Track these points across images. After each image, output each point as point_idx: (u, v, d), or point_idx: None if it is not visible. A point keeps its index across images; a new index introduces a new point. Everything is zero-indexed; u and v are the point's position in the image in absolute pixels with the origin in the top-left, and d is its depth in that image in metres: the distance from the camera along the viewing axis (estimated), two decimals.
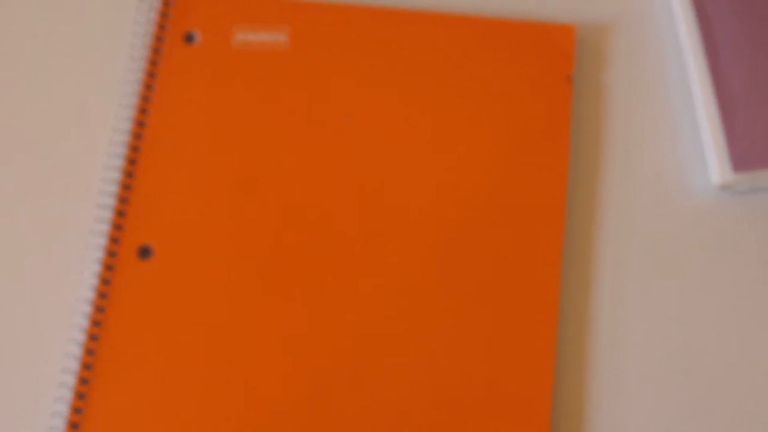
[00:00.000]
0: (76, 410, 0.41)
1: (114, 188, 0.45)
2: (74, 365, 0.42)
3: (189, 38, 0.48)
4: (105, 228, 0.44)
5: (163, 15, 0.48)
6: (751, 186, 0.45)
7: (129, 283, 0.43)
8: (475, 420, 0.41)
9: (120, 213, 0.44)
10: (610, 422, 0.42)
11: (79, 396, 0.41)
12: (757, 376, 0.43)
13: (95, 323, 0.42)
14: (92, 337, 0.42)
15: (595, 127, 0.47)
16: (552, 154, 0.45)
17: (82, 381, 0.41)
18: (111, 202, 0.45)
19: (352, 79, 0.47)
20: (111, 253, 0.44)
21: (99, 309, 0.43)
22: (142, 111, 0.46)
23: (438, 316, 0.43)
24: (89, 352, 0.42)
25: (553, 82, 0.47)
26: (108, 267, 0.43)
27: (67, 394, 0.41)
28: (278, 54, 0.47)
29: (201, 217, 0.44)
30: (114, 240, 0.44)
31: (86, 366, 0.42)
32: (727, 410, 0.42)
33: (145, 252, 0.44)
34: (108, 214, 0.44)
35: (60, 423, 0.41)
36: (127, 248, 0.44)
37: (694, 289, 0.44)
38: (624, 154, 0.47)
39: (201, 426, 0.41)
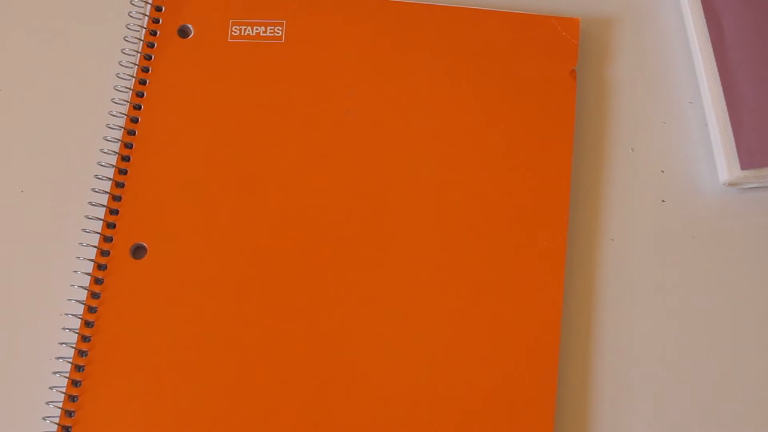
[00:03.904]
0: (68, 413, 0.41)
1: (107, 186, 0.44)
2: (66, 367, 0.41)
3: (183, 32, 0.47)
4: (97, 227, 0.44)
5: (157, 9, 0.48)
6: (759, 183, 0.45)
7: (122, 283, 0.43)
8: (478, 421, 0.41)
9: (113, 211, 0.44)
10: (614, 423, 0.42)
11: (71, 399, 0.41)
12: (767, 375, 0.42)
13: (87, 324, 0.42)
14: (84, 339, 0.42)
15: (599, 122, 0.47)
16: (555, 149, 0.45)
17: (74, 383, 0.41)
18: (104, 200, 0.44)
19: (351, 73, 0.47)
20: (104, 253, 0.43)
21: (91, 309, 0.42)
22: (136, 107, 0.46)
23: (440, 314, 0.42)
24: (81, 353, 0.41)
25: (556, 76, 0.46)
26: (100, 266, 0.43)
27: (58, 397, 0.41)
28: (274, 47, 0.47)
29: (196, 215, 0.44)
30: (107, 239, 0.43)
31: (78, 368, 0.41)
32: (735, 411, 0.42)
33: (138, 251, 0.43)
34: (101, 213, 0.44)
35: (51, 426, 0.40)
36: (120, 247, 0.43)
37: (702, 288, 0.44)
38: (628, 151, 0.46)
39: (195, 428, 0.40)
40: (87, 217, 0.44)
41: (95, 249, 0.43)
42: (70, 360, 0.41)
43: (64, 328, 0.42)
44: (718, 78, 0.46)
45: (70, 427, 0.40)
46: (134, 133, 0.45)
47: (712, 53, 0.46)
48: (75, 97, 0.47)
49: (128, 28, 0.48)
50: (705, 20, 0.47)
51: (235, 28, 0.47)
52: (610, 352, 0.43)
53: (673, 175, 0.46)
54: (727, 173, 0.45)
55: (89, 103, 0.47)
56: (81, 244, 0.44)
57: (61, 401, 0.41)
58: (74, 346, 0.41)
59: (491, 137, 0.45)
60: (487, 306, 0.42)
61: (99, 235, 0.43)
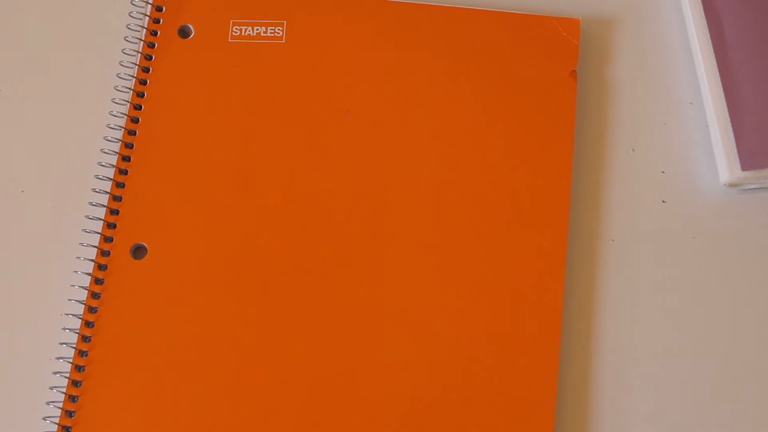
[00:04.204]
0: (68, 413, 0.41)
1: (107, 186, 0.44)
2: (66, 367, 0.41)
3: (184, 32, 0.47)
4: (98, 227, 0.44)
5: (157, 9, 0.48)
6: (759, 184, 0.45)
7: (122, 283, 0.43)
8: (478, 420, 0.41)
9: (113, 211, 0.44)
10: (614, 422, 0.42)
11: (71, 399, 0.41)
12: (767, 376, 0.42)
13: (87, 324, 0.42)
14: (84, 339, 0.42)
15: (600, 122, 0.47)
16: (556, 149, 0.45)
17: (74, 383, 0.41)
18: (104, 200, 0.44)
19: (351, 73, 0.46)
20: (104, 253, 0.43)
21: (92, 309, 0.42)
22: (136, 107, 0.46)
23: (440, 314, 0.42)
24: (81, 353, 0.41)
25: (557, 76, 0.46)
26: (101, 266, 0.43)
27: (58, 397, 0.41)
28: (274, 47, 0.47)
29: (196, 215, 0.44)
30: (107, 239, 0.43)
31: (78, 368, 0.41)
32: (735, 411, 0.42)
33: (138, 251, 0.43)
34: (101, 213, 0.44)
35: (51, 426, 0.40)
36: (121, 247, 0.43)
37: (702, 288, 0.44)
38: (629, 152, 0.46)
39: (195, 428, 0.40)
40: (87, 217, 0.44)
41: (95, 249, 0.43)
42: (70, 360, 0.41)
43: (64, 328, 0.42)
44: (719, 78, 0.46)
45: (71, 427, 0.40)
46: (135, 133, 0.45)
47: (713, 53, 0.46)
48: (75, 97, 0.47)
49: (129, 28, 0.48)
50: (705, 20, 0.47)
51: (236, 28, 0.47)
52: (610, 352, 0.43)
53: (674, 176, 0.46)
54: (727, 174, 0.44)
55: (89, 103, 0.47)
56: (81, 244, 0.44)
57: (61, 401, 0.41)
58: (74, 346, 0.41)
59: (492, 138, 0.45)
60: (487, 306, 0.42)
61: (99, 235, 0.43)
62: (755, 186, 0.45)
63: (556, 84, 0.46)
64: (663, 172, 0.46)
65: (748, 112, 0.45)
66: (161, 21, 0.47)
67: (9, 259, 0.44)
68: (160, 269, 0.43)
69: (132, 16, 0.48)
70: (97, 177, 0.45)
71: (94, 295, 0.42)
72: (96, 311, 0.42)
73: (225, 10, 0.47)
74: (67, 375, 0.41)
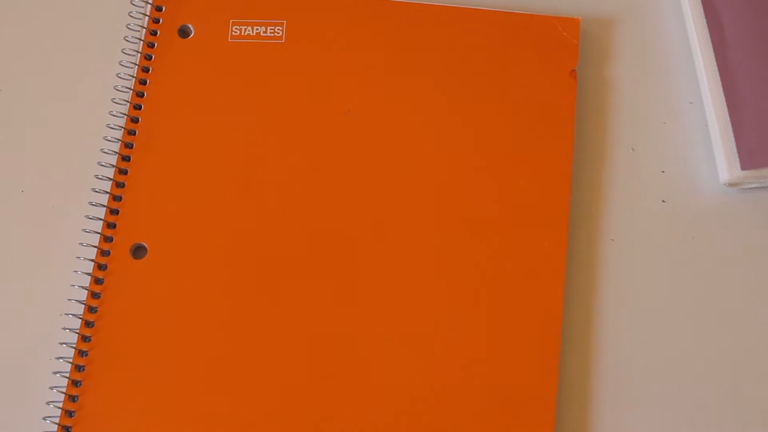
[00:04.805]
0: (68, 413, 0.41)
1: (107, 186, 0.44)
2: (66, 367, 0.41)
3: (183, 32, 0.47)
4: (98, 227, 0.44)
5: (157, 9, 0.48)
6: (759, 183, 0.45)
7: (122, 283, 0.43)
8: (478, 420, 0.41)
9: (113, 211, 0.44)
10: (614, 422, 0.42)
11: (71, 399, 0.41)
12: None
13: (87, 324, 0.42)
14: (84, 339, 0.42)
15: (599, 122, 0.47)
16: (556, 150, 0.45)
17: (74, 383, 0.41)
18: (104, 200, 0.44)
19: (352, 73, 0.47)
20: (104, 253, 0.43)
21: (92, 309, 0.42)
22: (136, 107, 0.46)
23: (441, 314, 0.42)
24: (81, 353, 0.41)
25: (557, 76, 0.46)
26: (101, 266, 0.43)
27: (58, 397, 0.41)
28: (274, 47, 0.47)
29: (196, 215, 0.44)
30: (107, 239, 0.43)
31: (78, 368, 0.41)
32: (735, 411, 0.42)
33: (138, 251, 0.43)
34: (101, 213, 0.44)
35: (51, 426, 0.40)
36: (121, 247, 0.43)
37: (702, 288, 0.44)
38: (629, 152, 0.46)
39: (196, 427, 0.40)
40: (87, 217, 0.44)
41: (95, 249, 0.43)
42: (70, 360, 0.41)
43: (64, 328, 0.42)
44: (719, 78, 0.46)
45: (71, 427, 0.40)
46: (134, 133, 0.45)
47: (713, 53, 0.46)
48: (75, 97, 0.47)
49: (128, 28, 0.48)
50: (705, 20, 0.47)
51: (236, 28, 0.47)
52: (610, 352, 0.43)
53: (674, 176, 0.46)
54: (727, 173, 0.44)
55: (89, 103, 0.47)
56: (81, 244, 0.44)
57: (61, 401, 0.41)
58: (74, 346, 0.41)
59: (491, 137, 0.45)
60: (487, 306, 0.42)
61: (99, 235, 0.43)
62: (755, 185, 0.45)
63: (556, 84, 0.46)
64: (663, 172, 0.46)
65: (748, 112, 0.45)
66: (161, 21, 0.47)
67: (9, 259, 0.44)
68: (160, 269, 0.43)
69: (132, 16, 0.48)
70: (97, 177, 0.45)
71: (94, 295, 0.42)
72: (96, 311, 0.42)
73: (225, 10, 0.47)
74: (67, 375, 0.41)
